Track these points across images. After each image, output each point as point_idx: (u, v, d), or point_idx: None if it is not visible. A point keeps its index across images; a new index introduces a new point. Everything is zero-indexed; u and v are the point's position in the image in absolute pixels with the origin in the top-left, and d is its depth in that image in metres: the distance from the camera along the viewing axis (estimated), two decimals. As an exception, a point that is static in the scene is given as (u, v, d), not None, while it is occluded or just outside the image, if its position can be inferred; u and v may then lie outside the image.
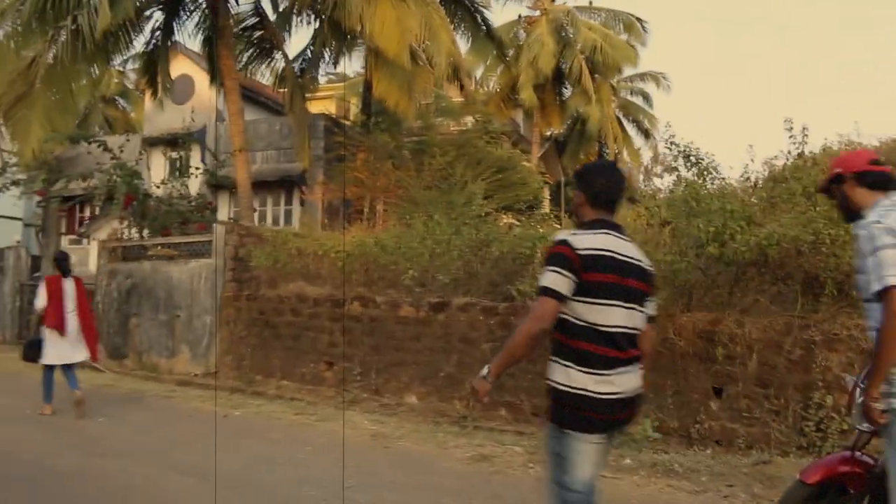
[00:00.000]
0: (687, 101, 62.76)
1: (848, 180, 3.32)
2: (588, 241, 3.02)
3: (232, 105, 13.68)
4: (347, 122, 18.72)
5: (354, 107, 24.52)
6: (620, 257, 3.07)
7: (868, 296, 3.06)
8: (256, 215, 16.95)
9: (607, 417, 3.01)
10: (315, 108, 19.98)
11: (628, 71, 26.52)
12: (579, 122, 24.55)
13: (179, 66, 21.89)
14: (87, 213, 21.32)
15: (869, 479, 3.22)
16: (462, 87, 16.86)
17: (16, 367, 10.74)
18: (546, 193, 20.74)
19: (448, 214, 10.44)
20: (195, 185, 17.10)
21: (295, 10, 15.87)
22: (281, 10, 16.25)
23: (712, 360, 6.95)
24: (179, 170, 17.71)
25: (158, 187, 14.72)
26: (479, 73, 23.70)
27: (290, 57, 16.14)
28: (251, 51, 16.02)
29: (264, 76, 22.28)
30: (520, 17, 23.47)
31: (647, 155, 29.16)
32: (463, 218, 10.25)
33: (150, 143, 20.91)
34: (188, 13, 15.20)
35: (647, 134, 28.52)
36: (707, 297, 7.55)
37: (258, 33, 15.85)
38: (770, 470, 5.47)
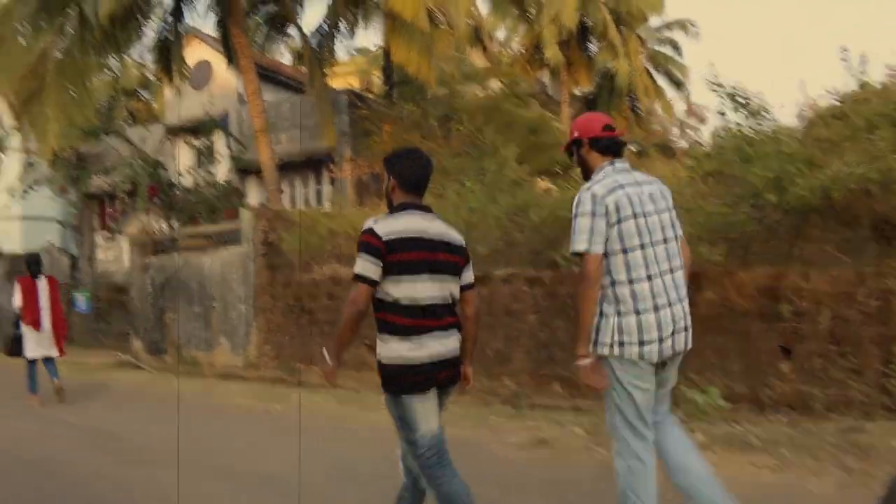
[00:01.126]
0: (717, 47, 61.09)
1: (584, 145, 3.56)
2: (391, 226, 3.36)
3: (249, 85, 13.28)
4: (370, 95, 18.21)
5: (377, 79, 24.08)
6: (427, 235, 3.41)
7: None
8: (286, 198, 16.63)
9: (427, 377, 3.35)
10: (338, 84, 19.52)
11: (655, 21, 25.70)
12: (608, 78, 23.80)
13: (197, 52, 21.54)
14: (117, 208, 21.22)
15: None
16: (485, 49, 16.30)
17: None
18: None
19: (481, 181, 9.95)
20: (224, 172, 16.81)
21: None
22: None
23: (778, 318, 6.43)
24: (205, 157, 17.40)
25: (182, 176, 14.42)
26: (501, 34, 23.09)
27: (307, 32, 15.67)
28: (265, 28, 15.58)
29: (283, 55, 21.94)
30: (539, -29, 22.70)
31: (679, 107, 28.20)
32: (497, 184, 9.76)
33: (173, 131, 20.65)
34: (196, -7, 14.82)
35: (678, 85, 27.63)
36: (766, 250, 7.00)
37: (271, 9, 15.39)
38: (861, 439, 4.91)
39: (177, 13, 14.65)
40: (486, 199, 9.14)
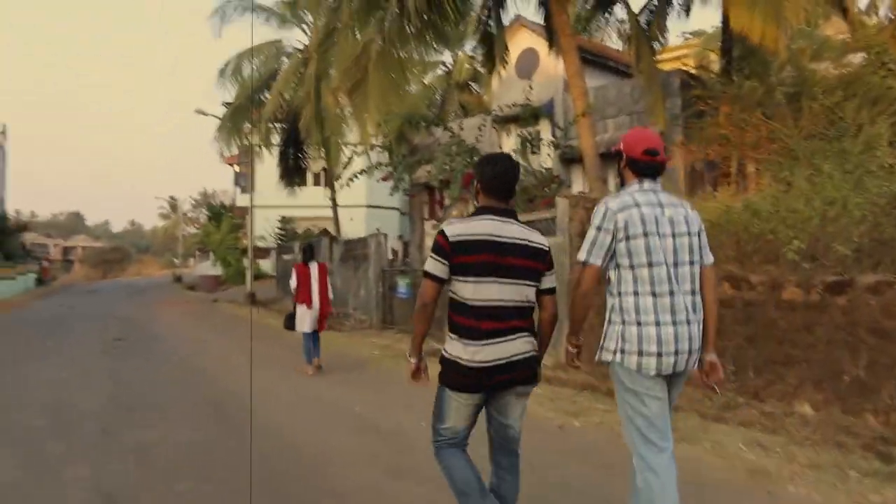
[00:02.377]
0: None
1: (624, 161, 3.77)
2: (461, 229, 3.57)
3: (570, 66, 12.44)
4: (707, 74, 16.49)
5: (713, 59, 22.11)
6: (499, 239, 3.56)
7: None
8: (611, 188, 15.63)
9: (473, 381, 3.53)
10: (668, 68, 18.06)
11: None
12: None
13: (523, 40, 21.29)
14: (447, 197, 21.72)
15: None
16: (846, 14, 13.86)
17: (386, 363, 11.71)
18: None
19: (841, 166, 8.13)
20: (549, 161, 16.23)
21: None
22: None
23: None
24: (531, 145, 16.96)
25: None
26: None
27: (634, 9, 14.48)
28: (587, 4, 14.66)
29: (611, 38, 20.89)
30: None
31: None
32: (863, 169, 7.89)
33: (499, 121, 20.59)
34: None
35: None
36: None
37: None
38: None
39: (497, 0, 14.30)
40: (847, 188, 7.37)
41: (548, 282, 3.72)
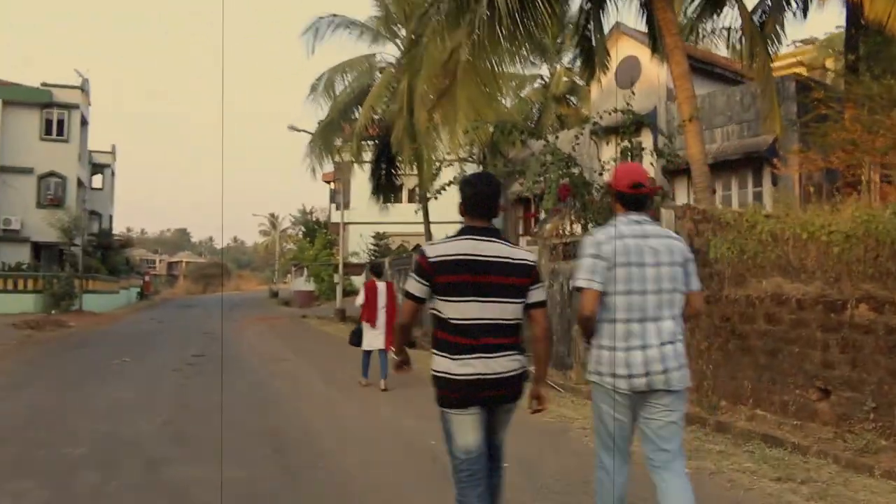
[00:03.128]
0: None
1: (612, 194, 4.09)
2: (441, 250, 3.64)
3: (676, 66, 11.41)
4: (827, 75, 15.13)
5: (829, 67, 20.59)
6: (478, 258, 3.59)
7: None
8: (718, 199, 14.47)
9: (464, 395, 3.58)
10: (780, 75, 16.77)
11: None
12: None
13: (623, 48, 20.38)
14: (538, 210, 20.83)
15: None
16: None
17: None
18: None
19: None
20: (650, 172, 15.17)
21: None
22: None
23: None
24: (632, 155, 15.91)
25: (601, 174, 13.07)
26: None
27: (747, 6, 13.32)
28: (694, 6, 13.63)
29: (717, 47, 19.68)
30: None
31: None
32: None
33: (598, 132, 19.63)
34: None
35: None
36: None
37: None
38: None
39: (596, 2, 13.40)
40: None
41: (535, 296, 3.75)
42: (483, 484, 3.65)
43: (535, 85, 31.04)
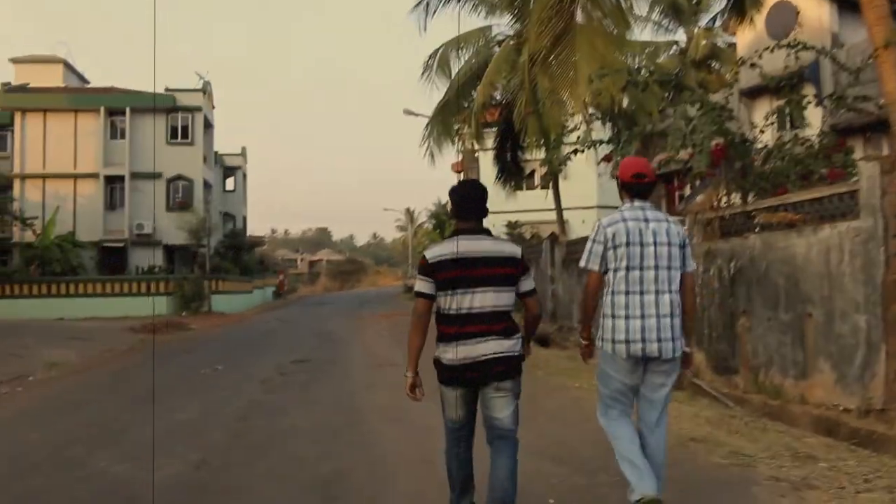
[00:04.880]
0: None
1: (619, 184, 4.62)
2: (437, 251, 4.19)
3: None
4: None
5: None
6: (469, 255, 4.10)
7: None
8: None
9: (452, 375, 4.15)
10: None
11: None
12: None
13: (777, -6, 17.55)
14: (688, 188, 18.27)
15: None
16: None
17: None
18: None
19: None
20: (819, 125, 12.46)
21: None
22: None
23: None
24: (793, 114, 13.22)
25: (763, 132, 10.62)
26: None
27: None
28: None
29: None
30: None
31: None
32: None
33: (749, 93, 16.96)
34: None
35: None
36: None
37: None
38: None
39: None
40: None
41: (525, 285, 4.29)
42: (463, 446, 4.29)
43: (671, 52, 28.19)
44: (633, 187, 4.42)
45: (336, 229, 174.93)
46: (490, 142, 24.71)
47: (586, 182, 34.04)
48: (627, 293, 4.23)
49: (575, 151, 12.09)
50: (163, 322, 24.18)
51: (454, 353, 4.04)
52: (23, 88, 36.88)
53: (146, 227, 35.13)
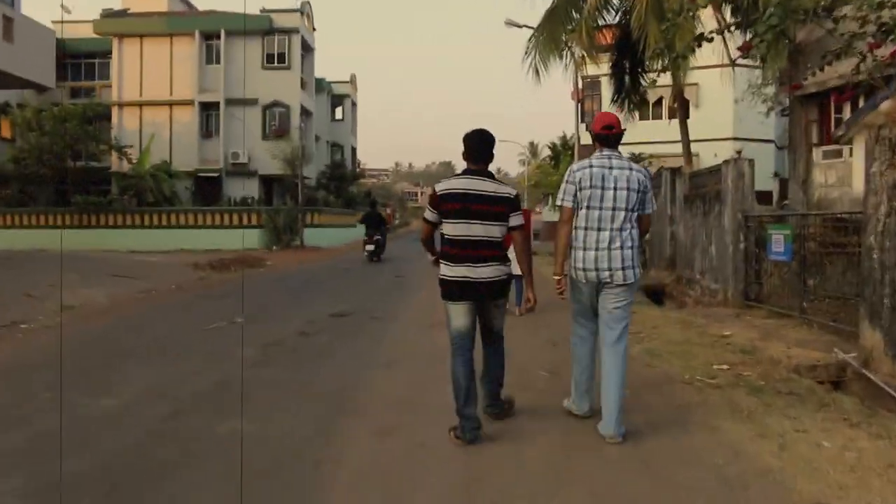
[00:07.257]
0: None
1: (591, 135, 5.23)
2: (446, 185, 5.00)
3: None
4: None
5: None
6: (470, 191, 4.91)
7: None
8: None
9: (452, 290, 4.94)
10: None
11: None
12: None
13: None
14: (846, 111, 14.31)
15: None
16: None
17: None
18: None
19: None
20: None
21: None
22: None
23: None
24: None
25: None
26: None
27: None
28: None
29: None
30: None
31: None
32: None
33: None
34: None
35: None
36: None
37: None
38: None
39: None
40: None
41: (513, 221, 5.05)
42: (467, 355, 5.00)
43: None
44: (603, 138, 5.12)
45: (460, 164, 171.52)
46: (605, 65, 21.23)
47: (722, 110, 29.90)
48: (586, 229, 5.01)
49: (701, 38, 8.77)
50: (237, 258, 22.18)
51: (455, 271, 4.92)
52: (120, 13, 35.64)
53: (241, 156, 33.49)
